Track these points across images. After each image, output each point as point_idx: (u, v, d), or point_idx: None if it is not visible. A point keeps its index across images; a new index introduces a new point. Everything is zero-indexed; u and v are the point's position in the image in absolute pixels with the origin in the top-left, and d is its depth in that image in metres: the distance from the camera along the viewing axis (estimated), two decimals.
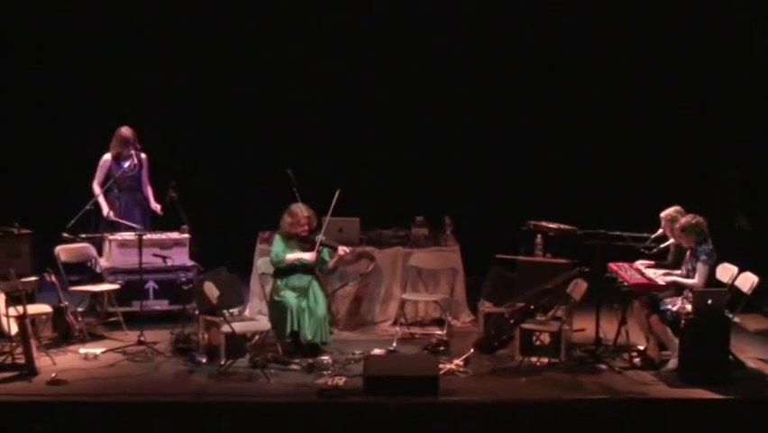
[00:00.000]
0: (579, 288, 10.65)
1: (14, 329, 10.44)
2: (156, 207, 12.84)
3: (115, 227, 12.58)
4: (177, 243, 12.56)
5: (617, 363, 10.80)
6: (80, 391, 9.88)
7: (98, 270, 12.39)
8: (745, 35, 14.78)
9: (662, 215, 11.18)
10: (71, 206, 12.26)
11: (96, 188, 12.59)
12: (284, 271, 11.36)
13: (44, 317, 11.34)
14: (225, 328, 10.46)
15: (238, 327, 10.60)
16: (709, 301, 10.20)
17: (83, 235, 12.22)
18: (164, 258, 11.91)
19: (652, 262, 11.24)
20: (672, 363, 10.53)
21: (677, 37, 14.91)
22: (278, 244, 11.41)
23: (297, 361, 10.78)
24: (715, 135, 14.79)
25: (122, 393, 9.84)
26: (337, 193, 11.48)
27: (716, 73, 14.89)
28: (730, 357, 10.51)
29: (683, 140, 14.88)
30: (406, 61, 15.24)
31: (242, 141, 15.17)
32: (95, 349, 11.16)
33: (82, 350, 11.14)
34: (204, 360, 10.77)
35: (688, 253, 10.84)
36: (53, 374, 10.18)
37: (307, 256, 11.35)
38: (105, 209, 12.57)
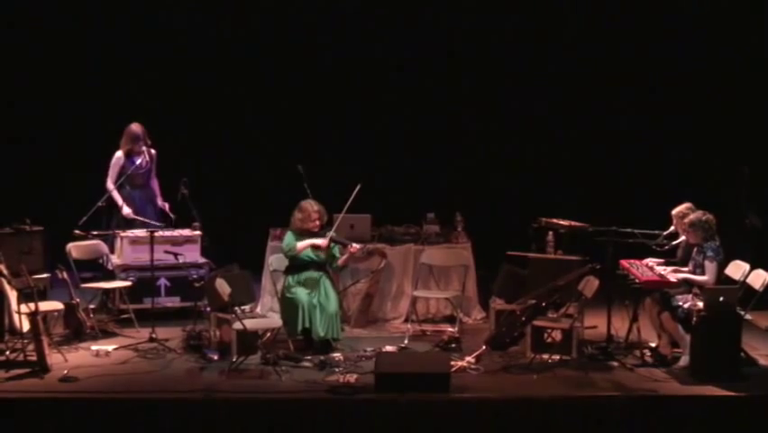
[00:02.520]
0: (590, 285, 10.63)
1: (26, 326, 10.45)
2: (164, 205, 12.86)
3: (131, 224, 12.61)
4: (188, 240, 12.57)
5: (629, 361, 10.80)
6: (92, 388, 9.89)
7: (110, 267, 12.39)
8: (755, 30, 14.75)
9: (674, 212, 11.18)
10: (83, 203, 12.29)
11: (111, 186, 12.59)
12: (295, 267, 11.37)
13: (56, 313, 11.34)
14: (237, 325, 10.47)
15: (249, 323, 10.61)
16: (721, 299, 10.20)
17: (94, 232, 12.25)
18: (176, 255, 11.93)
19: (662, 260, 11.23)
20: (684, 360, 10.52)
21: (687, 33, 14.88)
22: (289, 236, 11.41)
23: (308, 358, 10.78)
24: (725, 132, 14.77)
25: (133, 390, 9.86)
26: (357, 188, 11.48)
27: (726, 69, 14.86)
28: (742, 354, 10.50)
29: (694, 137, 14.85)
30: (418, 58, 15.24)
31: (254, 137, 15.18)
32: (106, 346, 11.19)
33: (94, 347, 11.17)
34: (215, 357, 10.79)
35: (694, 249, 10.84)
36: (65, 371, 10.20)
37: (319, 241, 11.34)
38: (126, 209, 12.59)
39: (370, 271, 12.41)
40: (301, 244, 11.32)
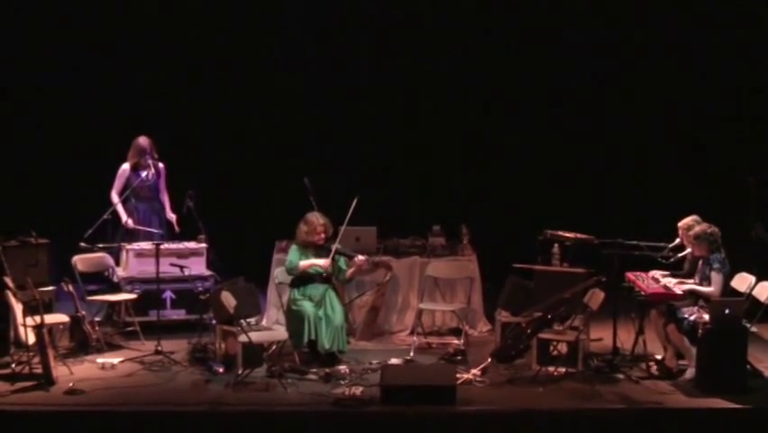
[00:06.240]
0: (596, 297, 10.62)
1: (32, 339, 10.46)
2: (171, 217, 12.87)
3: (134, 236, 12.62)
4: (194, 252, 12.58)
5: (635, 373, 10.78)
6: (97, 401, 9.88)
7: (115, 279, 12.41)
8: (760, 37, 14.74)
9: (680, 224, 11.17)
10: (89, 215, 12.31)
11: (115, 198, 12.63)
12: (301, 280, 11.36)
13: (61, 326, 11.35)
14: (242, 338, 10.47)
15: (255, 336, 10.61)
16: (727, 311, 10.19)
17: (100, 245, 12.26)
18: (181, 267, 11.93)
19: (667, 272, 11.22)
20: (690, 372, 10.51)
21: (692, 42, 14.87)
22: (293, 252, 11.41)
23: (314, 370, 10.77)
24: (730, 142, 14.74)
25: (139, 403, 9.85)
26: (355, 201, 11.49)
27: (731, 78, 14.85)
28: (747, 367, 10.49)
29: (699, 148, 14.83)
30: (423, 69, 15.23)
31: (259, 149, 15.18)
32: (112, 359, 11.19)
33: (99, 360, 11.16)
34: (221, 369, 10.77)
35: (700, 261, 10.84)
36: (70, 384, 10.19)
37: (321, 262, 11.35)
38: (124, 217, 12.62)
39: (376, 284, 12.40)
40: (303, 264, 11.31)
